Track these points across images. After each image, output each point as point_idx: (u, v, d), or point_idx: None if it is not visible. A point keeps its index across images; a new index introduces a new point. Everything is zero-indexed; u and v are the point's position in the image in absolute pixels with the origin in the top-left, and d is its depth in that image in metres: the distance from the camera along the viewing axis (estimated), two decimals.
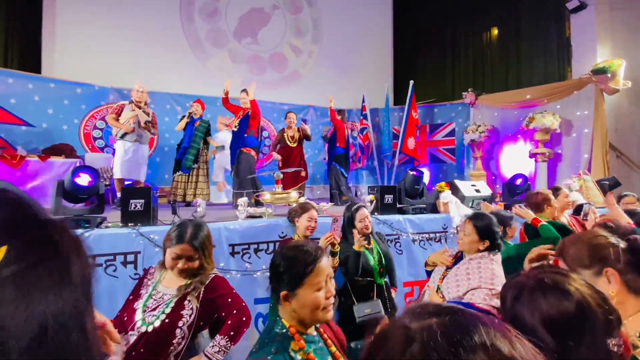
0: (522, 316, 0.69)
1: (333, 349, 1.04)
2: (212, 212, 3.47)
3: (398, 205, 3.34)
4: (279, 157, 4.86)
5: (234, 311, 1.55)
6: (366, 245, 2.39)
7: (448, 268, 1.94)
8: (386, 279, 2.48)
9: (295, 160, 4.89)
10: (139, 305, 1.51)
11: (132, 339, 1.42)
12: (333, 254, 2.25)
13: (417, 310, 0.40)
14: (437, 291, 1.84)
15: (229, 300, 1.58)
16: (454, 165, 6.96)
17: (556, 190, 2.89)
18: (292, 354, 0.93)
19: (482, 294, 1.60)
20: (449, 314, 0.38)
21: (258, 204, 3.32)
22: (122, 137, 4.19)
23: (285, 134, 5.01)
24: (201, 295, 1.54)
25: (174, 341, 1.44)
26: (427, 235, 3.19)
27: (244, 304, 1.61)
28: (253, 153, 4.14)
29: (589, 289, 0.70)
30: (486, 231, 1.80)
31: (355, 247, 2.28)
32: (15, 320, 0.31)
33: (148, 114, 4.33)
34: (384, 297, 2.36)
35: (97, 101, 5.52)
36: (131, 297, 1.60)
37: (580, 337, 0.65)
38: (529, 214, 2.26)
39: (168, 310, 1.46)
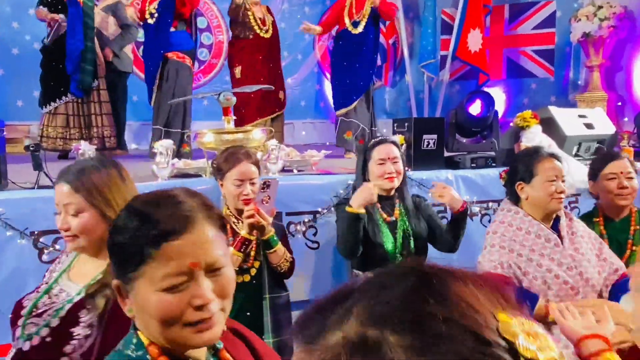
0: None
1: None
2: None
3: (445, 154, 2.62)
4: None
5: None
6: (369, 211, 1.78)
7: None
8: None
9: (263, 69, 3.26)
10: (28, 303, 1.07)
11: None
12: (268, 245, 1.50)
13: None
14: None
15: None
16: (552, 81, 5.19)
17: None
18: None
19: None
20: None
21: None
22: None
23: (248, 13, 3.19)
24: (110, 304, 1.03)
25: None
26: (495, 205, 2.29)
27: None
28: (188, 61, 2.98)
29: None
30: None
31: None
32: None
33: None
34: None
35: None
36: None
37: None
38: None
39: (55, 322, 0.99)
